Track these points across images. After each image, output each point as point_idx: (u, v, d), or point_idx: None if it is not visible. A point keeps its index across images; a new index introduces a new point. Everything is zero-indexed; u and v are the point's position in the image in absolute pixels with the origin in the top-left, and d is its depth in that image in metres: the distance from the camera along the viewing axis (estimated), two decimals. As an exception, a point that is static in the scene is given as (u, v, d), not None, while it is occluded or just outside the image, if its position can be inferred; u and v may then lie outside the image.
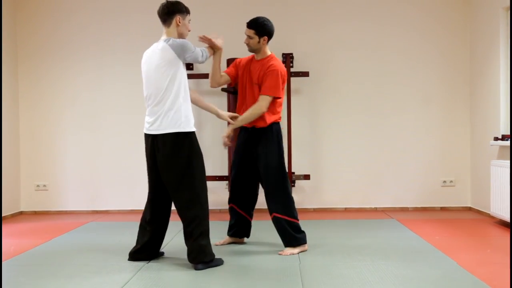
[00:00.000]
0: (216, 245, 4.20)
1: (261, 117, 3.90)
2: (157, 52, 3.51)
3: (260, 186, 4.12)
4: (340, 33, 6.14)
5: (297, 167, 6.07)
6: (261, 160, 3.95)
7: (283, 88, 3.95)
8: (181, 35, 3.62)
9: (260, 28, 3.92)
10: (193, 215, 3.51)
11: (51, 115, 6.22)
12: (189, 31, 3.69)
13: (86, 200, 6.20)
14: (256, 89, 3.94)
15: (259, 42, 3.93)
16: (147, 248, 3.73)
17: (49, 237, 4.70)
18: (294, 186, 6.05)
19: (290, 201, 3.98)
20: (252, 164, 4.04)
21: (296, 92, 6.08)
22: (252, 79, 3.97)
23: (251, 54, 4.12)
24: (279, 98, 3.92)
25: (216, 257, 3.60)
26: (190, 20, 3.69)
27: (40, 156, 6.22)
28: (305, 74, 5.95)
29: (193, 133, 3.56)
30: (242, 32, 6.03)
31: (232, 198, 4.19)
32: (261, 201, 6.20)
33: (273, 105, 3.92)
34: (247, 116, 3.89)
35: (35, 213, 6.22)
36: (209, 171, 6.11)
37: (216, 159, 6.04)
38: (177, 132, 3.47)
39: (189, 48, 3.51)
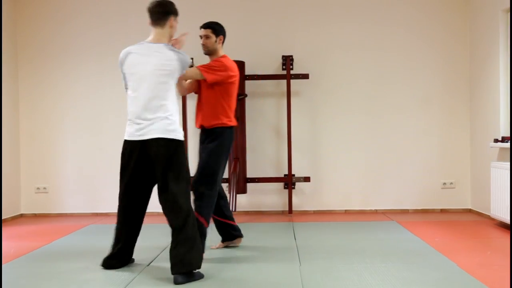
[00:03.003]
0: (212, 248, 4.18)
1: (211, 117, 3.86)
2: (161, 58, 3.39)
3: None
4: (340, 35, 6.14)
5: (297, 169, 6.07)
6: (200, 158, 3.90)
7: (222, 81, 3.82)
8: (171, 37, 3.55)
9: (217, 26, 3.97)
10: (185, 222, 3.36)
11: (51, 118, 6.23)
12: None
13: (86, 203, 6.20)
14: (210, 90, 3.87)
15: (216, 41, 3.95)
16: (120, 254, 3.64)
17: (49, 240, 4.70)
18: (294, 188, 6.05)
19: (212, 204, 3.86)
20: None
21: (296, 94, 6.09)
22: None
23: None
24: (205, 79, 3.79)
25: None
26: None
27: (40, 158, 6.23)
28: (305, 76, 5.95)
29: (184, 142, 3.49)
30: (240, 35, 6.12)
31: None
32: (261, 202, 6.22)
33: (224, 108, 3.87)
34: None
35: (35, 215, 6.22)
36: (209, 174, 6.14)
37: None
38: (171, 138, 3.38)
39: (186, 68, 3.53)
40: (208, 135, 3.91)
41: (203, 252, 3.77)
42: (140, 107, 3.40)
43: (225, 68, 3.84)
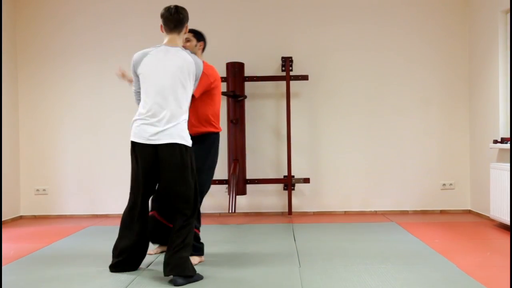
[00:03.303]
0: (150, 254, 4.00)
1: (196, 125, 3.81)
2: (180, 60, 3.38)
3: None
4: (340, 36, 6.15)
5: (297, 171, 6.07)
6: None
7: (200, 91, 3.73)
8: (182, 42, 3.57)
9: (198, 32, 3.99)
10: (189, 226, 3.39)
11: (50, 120, 6.23)
12: None
13: (86, 204, 6.20)
14: (194, 100, 3.76)
15: (196, 45, 3.94)
16: (134, 256, 3.58)
17: (48, 241, 4.70)
18: (293, 189, 6.05)
19: (198, 212, 3.74)
20: None
21: (295, 95, 6.09)
22: None
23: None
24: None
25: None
26: None
27: (40, 160, 6.22)
28: (305, 77, 5.95)
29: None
30: (240, 36, 6.13)
31: (155, 206, 3.95)
32: (261, 203, 6.21)
33: (208, 117, 3.83)
34: None
35: (35, 217, 6.22)
36: (208, 175, 6.14)
37: (215, 163, 6.02)
38: (185, 144, 3.38)
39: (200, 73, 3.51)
40: (193, 142, 3.79)
41: (202, 254, 3.83)
42: (157, 110, 3.34)
43: (204, 77, 3.70)
